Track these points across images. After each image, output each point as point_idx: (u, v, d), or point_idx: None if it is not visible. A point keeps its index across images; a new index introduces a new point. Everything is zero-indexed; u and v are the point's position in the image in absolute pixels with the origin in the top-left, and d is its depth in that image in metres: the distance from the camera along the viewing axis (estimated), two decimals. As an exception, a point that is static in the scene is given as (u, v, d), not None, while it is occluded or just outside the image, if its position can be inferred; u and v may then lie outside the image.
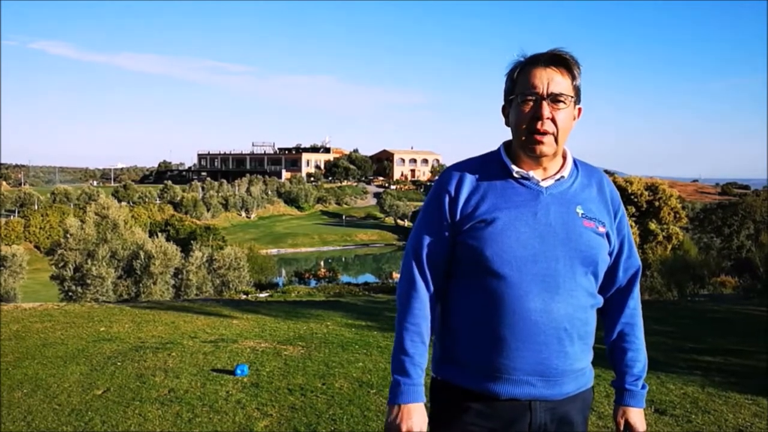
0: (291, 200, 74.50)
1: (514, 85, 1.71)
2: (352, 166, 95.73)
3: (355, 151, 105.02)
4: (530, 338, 1.63)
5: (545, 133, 1.65)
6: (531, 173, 1.71)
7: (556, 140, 1.67)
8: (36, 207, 51.11)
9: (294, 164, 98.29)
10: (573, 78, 1.69)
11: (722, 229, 30.28)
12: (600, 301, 1.78)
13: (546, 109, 1.64)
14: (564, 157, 1.77)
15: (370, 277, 35.98)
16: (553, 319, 1.64)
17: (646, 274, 16.67)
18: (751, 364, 5.74)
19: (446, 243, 1.73)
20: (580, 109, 1.75)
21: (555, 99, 1.65)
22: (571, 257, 1.67)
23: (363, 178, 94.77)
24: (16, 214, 49.20)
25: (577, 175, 1.77)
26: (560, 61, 1.68)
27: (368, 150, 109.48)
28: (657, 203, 27.19)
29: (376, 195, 79.75)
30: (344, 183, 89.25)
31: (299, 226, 63.96)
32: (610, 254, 1.78)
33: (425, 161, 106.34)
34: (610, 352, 1.86)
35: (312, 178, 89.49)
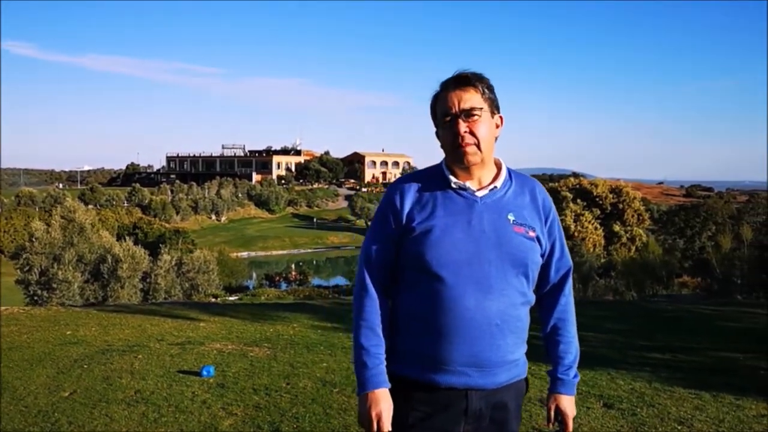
0: (262, 203, 74.12)
1: (436, 113, 1.93)
2: (323, 169, 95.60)
3: (327, 153, 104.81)
4: (465, 333, 1.82)
5: (467, 145, 1.86)
6: (467, 184, 1.91)
7: (479, 148, 1.87)
8: (0, 210, 50.05)
9: (265, 167, 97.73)
10: (481, 92, 1.89)
11: (684, 231, 31.14)
12: (532, 299, 1.97)
13: (462, 125, 1.86)
14: (499, 169, 1.97)
15: (341, 280, 36.02)
16: (485, 316, 1.83)
17: (611, 275, 17.03)
18: (697, 360, 6.02)
19: (393, 249, 1.93)
20: (501, 118, 1.96)
21: (468, 114, 1.86)
22: (503, 260, 1.86)
23: (334, 181, 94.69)
24: (-21, 218, 48.07)
25: (510, 184, 1.97)
26: (464, 80, 1.89)
27: (339, 152, 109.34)
28: (621, 205, 27.85)
29: (348, 197, 79.82)
30: (315, 185, 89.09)
31: (270, 228, 63.72)
32: (542, 255, 1.98)
33: (396, 164, 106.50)
34: (545, 344, 2.05)
35: (283, 181, 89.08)
